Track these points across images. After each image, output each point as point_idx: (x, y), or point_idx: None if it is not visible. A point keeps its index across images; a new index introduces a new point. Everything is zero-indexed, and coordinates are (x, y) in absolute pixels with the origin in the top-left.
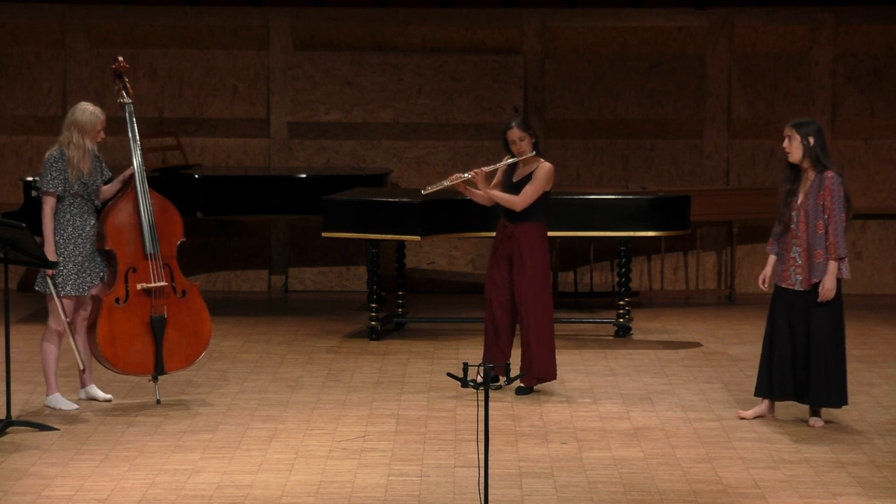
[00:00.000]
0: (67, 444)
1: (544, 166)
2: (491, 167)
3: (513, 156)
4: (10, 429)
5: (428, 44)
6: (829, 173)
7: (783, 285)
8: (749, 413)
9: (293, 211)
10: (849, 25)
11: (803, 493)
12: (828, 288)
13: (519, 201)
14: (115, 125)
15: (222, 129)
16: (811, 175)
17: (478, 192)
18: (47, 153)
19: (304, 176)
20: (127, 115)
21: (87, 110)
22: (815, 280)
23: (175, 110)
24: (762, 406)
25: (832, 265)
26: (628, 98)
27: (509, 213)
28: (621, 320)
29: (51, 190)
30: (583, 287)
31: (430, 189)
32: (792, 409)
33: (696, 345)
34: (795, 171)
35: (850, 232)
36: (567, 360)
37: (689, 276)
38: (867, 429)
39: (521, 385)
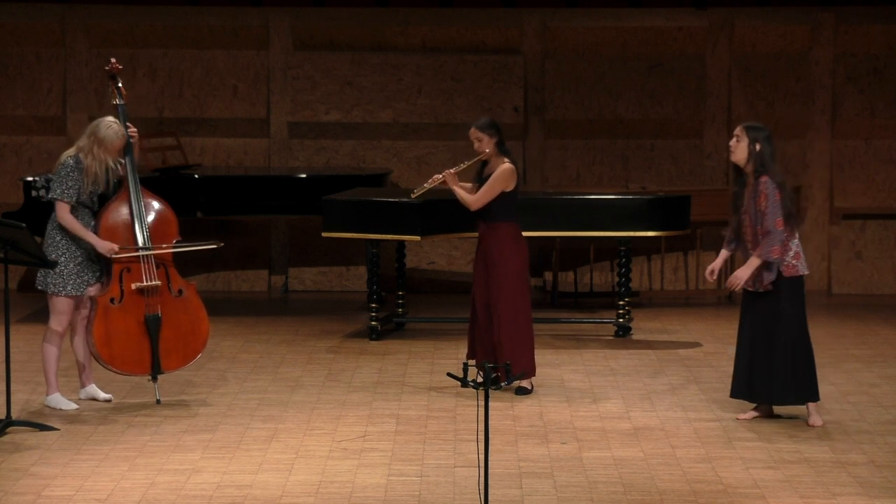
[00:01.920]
0: (67, 444)
1: (502, 167)
2: (458, 167)
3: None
4: (10, 429)
5: (428, 44)
6: (763, 178)
7: (745, 286)
8: (747, 414)
9: (293, 211)
10: (849, 25)
11: (803, 493)
12: (739, 277)
13: (473, 200)
14: None
15: (222, 129)
16: (751, 180)
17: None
18: (63, 157)
19: (304, 176)
20: (120, 116)
21: (111, 127)
22: (767, 281)
23: (175, 110)
24: (759, 407)
25: (753, 260)
26: (628, 98)
27: (481, 214)
28: (621, 320)
29: (66, 199)
30: (583, 287)
31: (417, 192)
32: (792, 408)
33: (696, 345)
34: (740, 174)
35: (850, 231)
36: (567, 360)
37: (689, 276)
38: (867, 429)
39: (522, 385)
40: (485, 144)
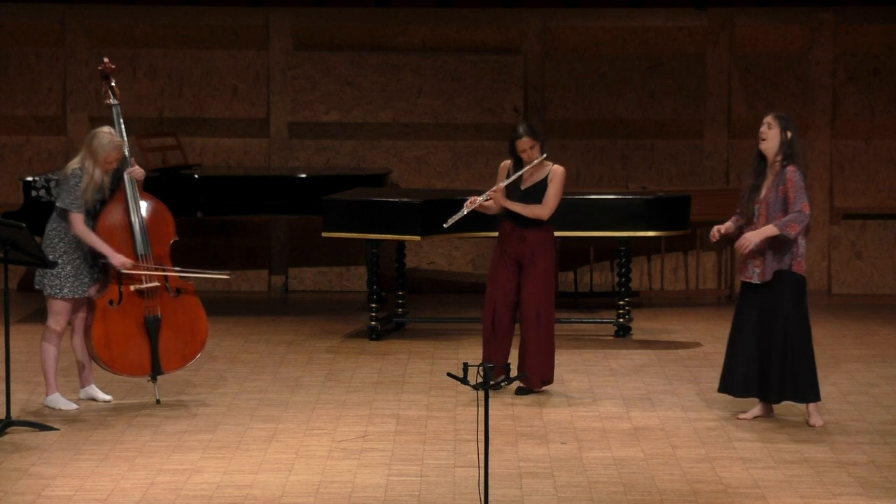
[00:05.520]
0: (67, 444)
1: (558, 170)
2: (506, 182)
3: (518, 161)
4: (10, 429)
5: (428, 44)
6: (791, 167)
7: (742, 279)
8: (747, 414)
9: (293, 211)
10: (849, 25)
11: (803, 493)
12: (749, 239)
13: (545, 212)
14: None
15: (222, 129)
16: (776, 168)
17: (490, 206)
18: (70, 167)
19: (304, 176)
20: (114, 115)
21: (104, 138)
22: (770, 272)
23: (175, 110)
24: (760, 407)
25: (770, 228)
26: (628, 98)
27: (521, 218)
28: (621, 320)
29: (75, 210)
30: (583, 287)
31: (451, 221)
32: (792, 408)
33: (696, 345)
34: (762, 164)
35: (850, 231)
36: (567, 360)
37: (689, 276)
38: (867, 429)
39: (522, 386)
40: (536, 151)
